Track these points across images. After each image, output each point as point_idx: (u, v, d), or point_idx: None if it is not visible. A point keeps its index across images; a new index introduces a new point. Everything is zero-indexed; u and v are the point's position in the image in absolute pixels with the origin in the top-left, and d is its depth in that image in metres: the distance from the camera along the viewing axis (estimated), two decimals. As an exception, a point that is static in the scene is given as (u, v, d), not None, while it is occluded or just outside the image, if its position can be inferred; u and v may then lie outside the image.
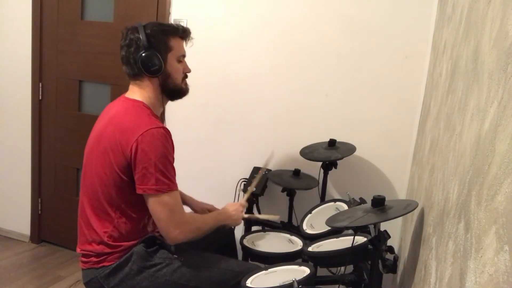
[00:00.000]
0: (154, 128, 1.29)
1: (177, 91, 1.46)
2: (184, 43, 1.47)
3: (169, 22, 1.47)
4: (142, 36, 1.34)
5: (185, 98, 1.51)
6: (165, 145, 1.30)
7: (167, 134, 1.32)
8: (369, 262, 1.30)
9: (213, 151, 2.27)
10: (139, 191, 1.30)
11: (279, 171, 2.01)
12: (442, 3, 1.63)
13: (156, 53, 1.35)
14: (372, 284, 1.27)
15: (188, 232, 1.37)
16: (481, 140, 0.68)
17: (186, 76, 1.48)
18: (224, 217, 1.55)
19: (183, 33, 1.44)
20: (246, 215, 1.70)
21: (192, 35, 1.47)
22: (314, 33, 2.01)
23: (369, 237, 1.27)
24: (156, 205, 1.30)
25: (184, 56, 1.47)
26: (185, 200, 1.74)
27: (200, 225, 1.43)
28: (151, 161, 1.26)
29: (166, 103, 1.49)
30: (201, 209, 1.74)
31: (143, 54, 1.34)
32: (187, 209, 1.68)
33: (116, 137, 1.30)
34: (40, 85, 2.64)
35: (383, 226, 1.23)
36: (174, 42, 1.41)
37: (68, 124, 2.62)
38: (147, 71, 1.36)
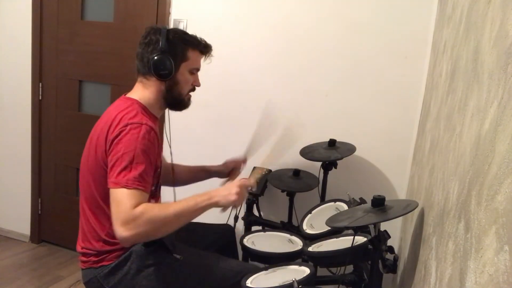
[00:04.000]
0: (135, 123, 1.27)
1: (179, 101, 1.46)
2: (203, 58, 1.49)
3: (195, 35, 1.46)
4: (162, 39, 1.36)
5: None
6: (141, 141, 1.24)
7: (148, 132, 1.27)
8: (369, 262, 1.30)
9: (213, 151, 2.27)
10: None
11: (279, 172, 2.01)
12: (442, 3, 1.63)
13: (171, 58, 1.37)
14: (372, 284, 1.27)
15: (137, 227, 1.16)
16: (481, 140, 0.68)
17: (193, 89, 1.49)
18: (207, 197, 1.29)
19: (204, 48, 1.46)
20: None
21: (212, 53, 1.49)
22: (314, 33, 2.01)
23: (369, 237, 1.27)
24: (111, 199, 1.21)
25: (198, 69, 1.48)
26: (204, 170, 1.79)
27: (155, 215, 1.20)
28: (119, 153, 1.23)
29: (164, 109, 1.49)
30: (225, 167, 1.79)
31: (157, 57, 1.36)
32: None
33: (102, 133, 1.31)
34: (40, 85, 2.64)
35: (383, 226, 1.23)
36: (192, 53, 1.43)
37: (68, 124, 2.62)
38: (156, 73, 1.37)
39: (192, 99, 1.53)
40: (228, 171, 1.79)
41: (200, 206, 1.27)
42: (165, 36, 1.36)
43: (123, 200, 1.19)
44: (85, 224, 1.40)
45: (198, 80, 1.49)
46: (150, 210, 1.20)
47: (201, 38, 1.46)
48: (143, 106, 1.39)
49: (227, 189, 1.33)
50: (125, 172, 1.21)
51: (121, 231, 1.16)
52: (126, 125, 1.27)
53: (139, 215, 1.17)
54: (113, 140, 1.26)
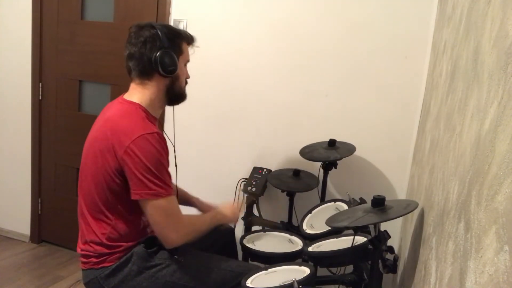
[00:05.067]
0: (148, 133, 1.27)
1: (180, 95, 1.46)
2: (189, 49, 1.49)
3: (179, 28, 1.48)
4: (162, 35, 1.34)
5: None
6: (158, 150, 1.28)
7: (160, 139, 1.30)
8: (369, 262, 1.30)
9: (213, 151, 2.27)
10: (135, 197, 1.28)
11: (279, 172, 2.01)
12: (442, 3, 1.63)
13: (173, 53, 1.36)
14: (372, 284, 1.27)
15: (186, 235, 1.36)
16: (481, 140, 0.68)
17: (186, 82, 1.49)
18: (221, 217, 1.57)
19: (191, 40, 1.47)
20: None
21: (196, 43, 1.49)
22: (315, 33, 2.02)
23: (369, 237, 1.27)
24: (153, 210, 1.29)
25: (188, 61, 1.48)
26: (191, 201, 1.74)
27: (198, 227, 1.43)
28: (145, 167, 1.25)
29: (164, 107, 1.49)
30: (207, 211, 1.73)
31: (160, 53, 1.33)
32: (189, 210, 1.68)
33: (109, 140, 1.29)
34: (40, 85, 2.64)
35: (383, 226, 1.23)
36: (184, 46, 1.43)
37: (68, 124, 2.62)
38: (164, 70, 1.35)
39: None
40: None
41: (218, 223, 1.55)
42: (164, 32, 1.35)
43: (171, 208, 1.32)
44: (85, 229, 1.39)
45: (187, 72, 1.50)
46: (193, 221, 1.45)
47: (185, 30, 1.48)
48: (145, 110, 1.38)
49: (234, 215, 1.64)
50: (157, 181, 1.27)
51: (174, 237, 1.33)
52: (140, 136, 1.26)
53: (187, 224, 1.39)
54: (127, 151, 1.25)
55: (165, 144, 1.33)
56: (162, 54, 1.34)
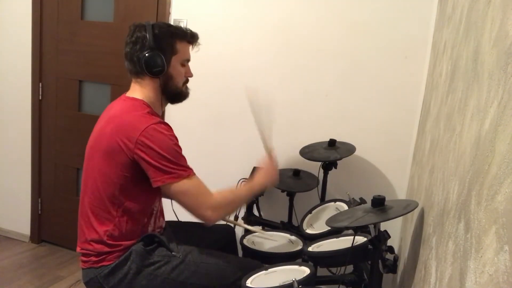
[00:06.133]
0: (154, 123, 1.30)
1: (177, 94, 1.47)
2: (191, 47, 1.48)
3: (179, 25, 1.46)
4: (149, 36, 1.34)
5: (184, 98, 1.51)
6: (169, 137, 1.31)
7: (167, 127, 1.34)
8: (369, 262, 1.30)
9: (213, 151, 2.27)
10: (157, 184, 1.29)
11: (279, 172, 2.01)
12: (442, 3, 1.63)
13: (161, 54, 1.36)
14: (372, 284, 1.27)
15: (221, 209, 1.37)
16: (481, 140, 0.68)
17: (187, 81, 1.49)
18: (258, 186, 1.50)
19: (191, 38, 1.45)
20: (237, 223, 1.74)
21: (199, 40, 1.48)
22: (314, 33, 2.02)
23: (369, 237, 1.27)
24: (180, 194, 1.31)
25: (188, 60, 1.48)
26: None
27: (232, 198, 1.43)
28: (160, 155, 1.27)
29: (166, 104, 1.49)
30: None
31: (147, 54, 1.34)
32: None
33: (116, 136, 1.30)
34: (40, 85, 2.65)
35: (383, 226, 1.23)
36: (180, 45, 1.42)
37: (68, 124, 2.62)
38: (149, 71, 1.36)
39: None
40: None
41: (257, 193, 1.56)
42: (151, 32, 1.35)
43: (197, 187, 1.33)
44: (85, 227, 1.40)
45: (190, 71, 1.49)
46: (226, 195, 1.41)
47: (186, 28, 1.45)
48: (149, 105, 1.39)
49: (272, 176, 1.54)
50: (174, 166, 1.28)
51: (210, 214, 1.33)
52: (147, 127, 1.28)
53: (220, 199, 1.37)
54: (138, 144, 1.26)
55: (173, 132, 1.35)
56: (148, 56, 1.35)
